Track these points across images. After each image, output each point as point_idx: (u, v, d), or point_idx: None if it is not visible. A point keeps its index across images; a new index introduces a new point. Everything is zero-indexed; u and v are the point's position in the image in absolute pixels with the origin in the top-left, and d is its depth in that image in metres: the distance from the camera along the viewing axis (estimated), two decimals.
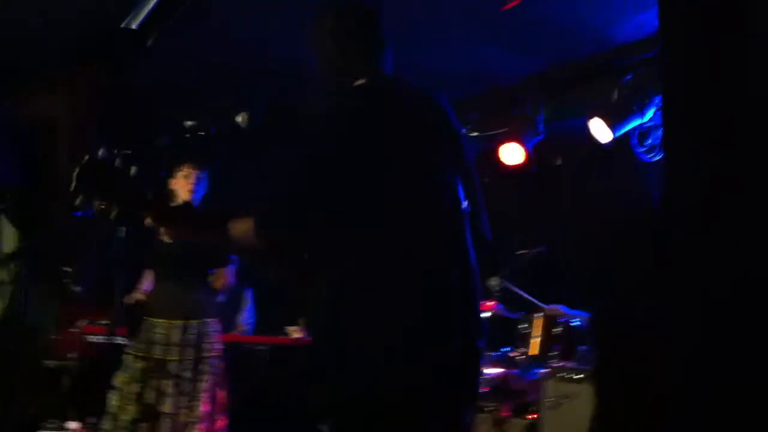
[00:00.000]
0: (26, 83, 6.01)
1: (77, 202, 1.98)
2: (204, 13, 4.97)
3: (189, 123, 2.68)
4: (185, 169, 4.12)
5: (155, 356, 3.93)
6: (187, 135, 2.66)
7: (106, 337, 4.54)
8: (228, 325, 5.49)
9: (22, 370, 4.73)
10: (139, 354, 3.94)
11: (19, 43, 5.46)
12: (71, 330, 4.59)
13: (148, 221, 2.08)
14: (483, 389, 4.03)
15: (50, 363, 4.63)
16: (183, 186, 4.10)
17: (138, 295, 4.17)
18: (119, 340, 4.42)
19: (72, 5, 4.96)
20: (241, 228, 2.01)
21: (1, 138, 5.64)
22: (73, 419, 4.23)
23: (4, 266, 5.75)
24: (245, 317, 5.71)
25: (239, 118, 2.62)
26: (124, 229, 3.82)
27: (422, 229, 1.97)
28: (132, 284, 4.20)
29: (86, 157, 1.96)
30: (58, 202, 5.71)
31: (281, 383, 5.17)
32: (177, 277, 4.07)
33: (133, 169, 2.02)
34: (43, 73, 5.89)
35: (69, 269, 4.88)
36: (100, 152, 1.97)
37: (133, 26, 5.36)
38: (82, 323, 4.64)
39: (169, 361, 3.93)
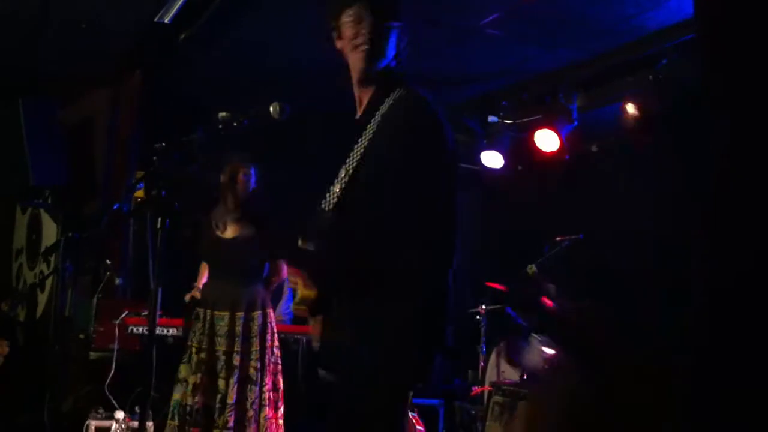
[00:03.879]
0: (66, 84, 6.09)
1: None
2: (233, 17, 5.00)
3: (222, 115, 2.69)
4: (234, 167, 4.16)
5: (220, 348, 4.00)
6: (220, 127, 2.67)
7: (146, 328, 4.58)
8: None
9: (66, 362, 4.80)
10: (203, 346, 4.00)
11: (60, 47, 5.53)
12: (112, 322, 4.64)
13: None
14: None
15: (93, 354, 4.70)
16: (233, 184, 4.16)
17: (195, 293, 4.22)
18: (159, 331, 4.48)
19: (112, 7, 5.01)
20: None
21: (42, 137, 5.71)
22: (118, 409, 4.29)
23: (46, 260, 5.84)
24: (283, 308, 5.74)
25: (271, 109, 2.63)
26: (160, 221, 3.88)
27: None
28: (171, 277, 4.24)
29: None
30: (96, 198, 5.79)
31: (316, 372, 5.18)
32: (236, 270, 4.12)
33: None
34: (82, 74, 5.96)
35: (109, 262, 4.94)
36: None
37: (166, 21, 5.40)
38: (123, 315, 4.69)
39: (234, 352, 3.99)
